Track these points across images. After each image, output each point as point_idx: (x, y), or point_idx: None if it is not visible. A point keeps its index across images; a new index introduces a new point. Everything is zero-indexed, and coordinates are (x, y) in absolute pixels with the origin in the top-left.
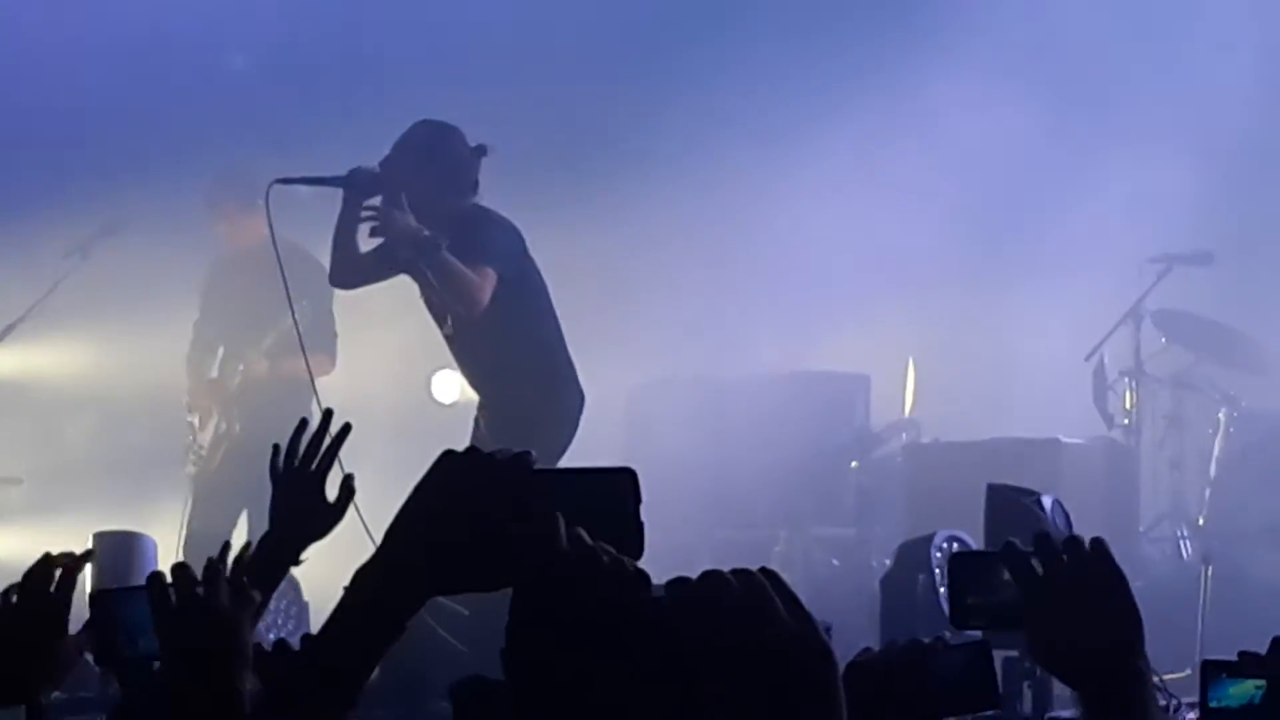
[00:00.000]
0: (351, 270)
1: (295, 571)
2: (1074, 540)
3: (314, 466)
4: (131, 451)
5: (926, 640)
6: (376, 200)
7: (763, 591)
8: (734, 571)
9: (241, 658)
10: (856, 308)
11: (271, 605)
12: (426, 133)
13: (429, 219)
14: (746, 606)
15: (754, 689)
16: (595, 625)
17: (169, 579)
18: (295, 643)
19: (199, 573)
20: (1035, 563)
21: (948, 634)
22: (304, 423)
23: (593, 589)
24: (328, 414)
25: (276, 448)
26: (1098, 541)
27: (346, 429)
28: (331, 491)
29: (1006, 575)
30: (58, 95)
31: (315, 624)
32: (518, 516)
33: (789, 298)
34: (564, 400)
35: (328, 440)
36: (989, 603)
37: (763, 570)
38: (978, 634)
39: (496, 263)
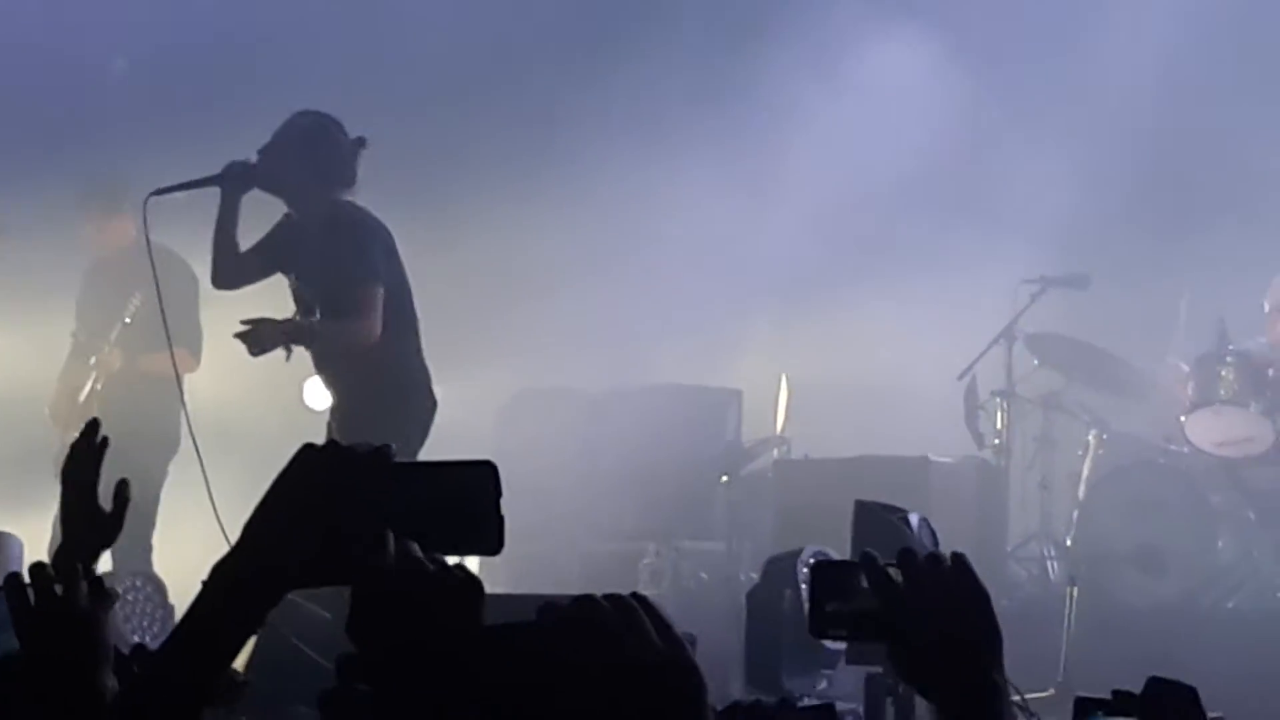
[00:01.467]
0: (234, 272)
1: (161, 574)
2: (935, 556)
3: (83, 475)
4: (2, 451)
5: (772, 703)
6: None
7: (634, 614)
8: (606, 596)
9: (101, 656)
10: (730, 322)
11: (135, 608)
12: (306, 122)
13: (304, 210)
14: (617, 629)
15: (624, 712)
16: (426, 647)
17: (27, 579)
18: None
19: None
20: (894, 573)
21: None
22: (91, 425)
23: (422, 608)
24: (92, 424)
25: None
26: (958, 556)
27: (104, 441)
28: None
29: (866, 584)
30: None
31: None
32: (375, 510)
33: (663, 311)
34: (413, 405)
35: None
36: (848, 611)
37: (634, 595)
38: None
39: (376, 279)
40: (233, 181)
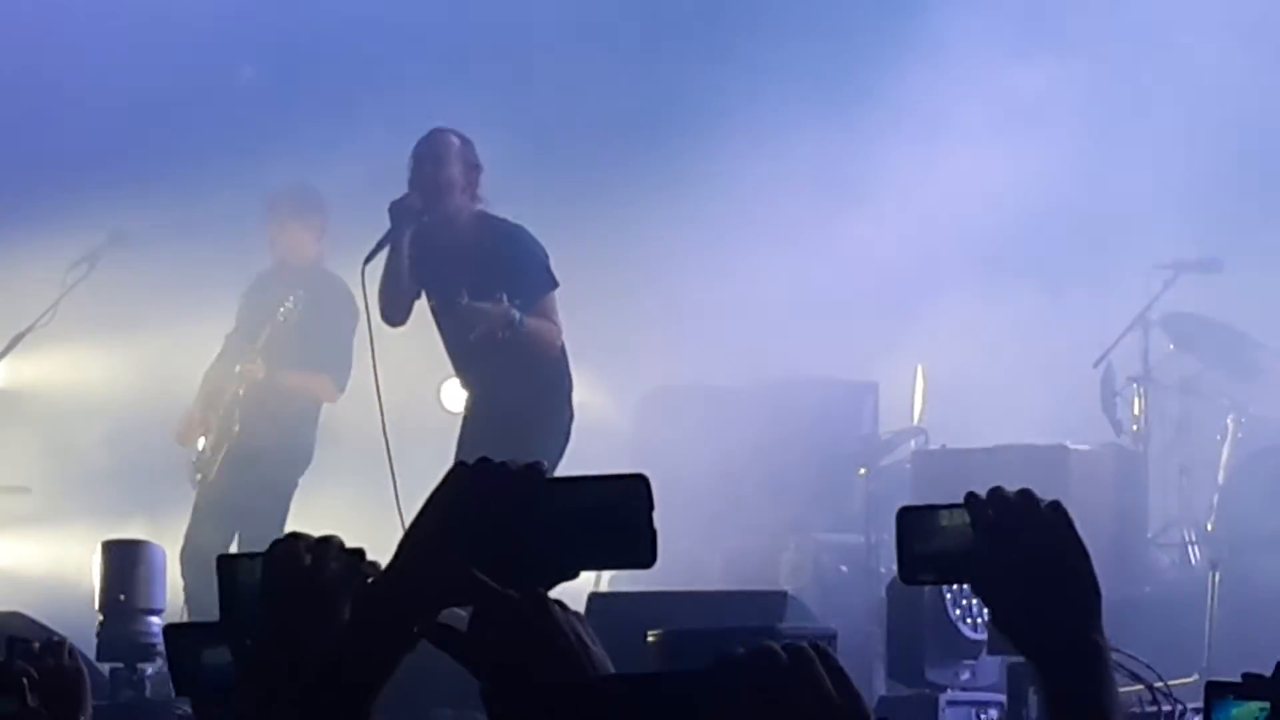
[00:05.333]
0: (404, 307)
1: None
2: (1030, 497)
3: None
4: (140, 461)
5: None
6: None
7: (811, 667)
8: (785, 646)
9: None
10: (865, 314)
11: None
12: (453, 143)
13: (455, 227)
14: (794, 679)
15: None
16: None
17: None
18: None
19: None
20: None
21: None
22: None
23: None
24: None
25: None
26: (1055, 505)
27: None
28: None
29: (952, 525)
30: (64, 103)
31: None
32: (531, 526)
33: (797, 305)
34: (561, 416)
35: None
36: (936, 552)
37: (813, 645)
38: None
39: (554, 285)
40: (401, 224)
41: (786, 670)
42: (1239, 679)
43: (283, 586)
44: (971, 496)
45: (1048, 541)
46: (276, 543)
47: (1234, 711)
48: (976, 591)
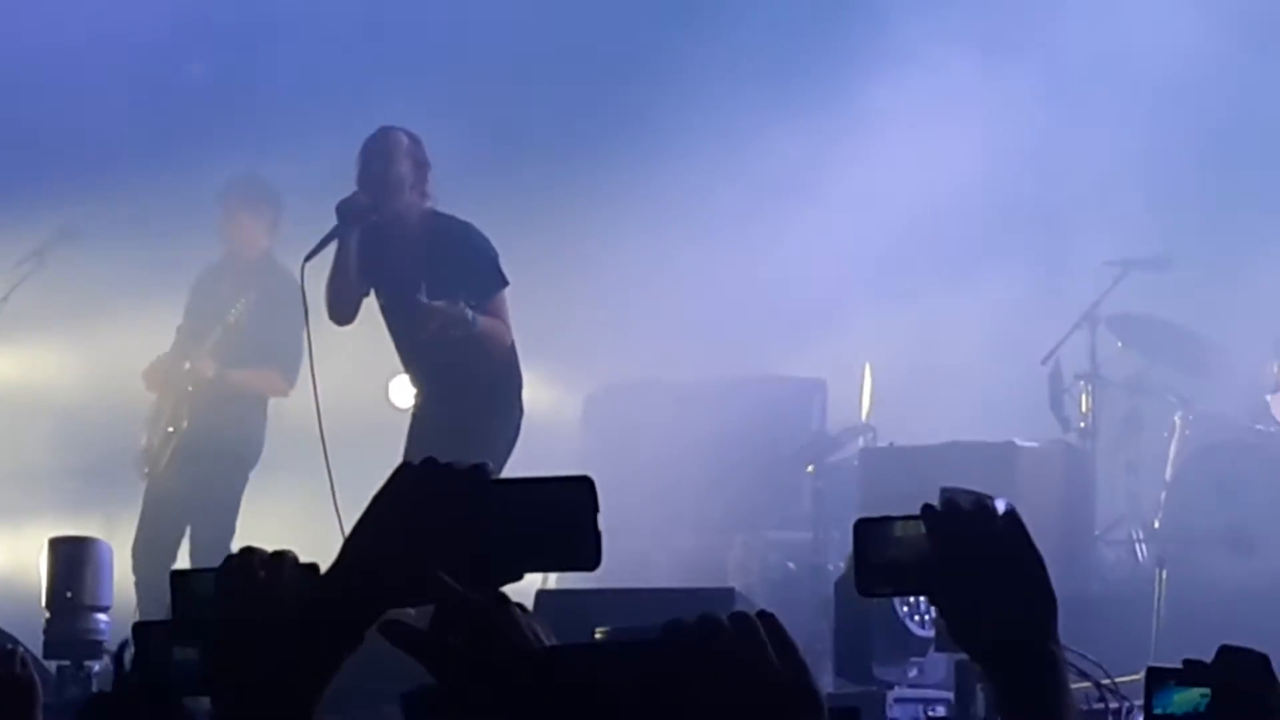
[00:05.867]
0: (352, 306)
1: None
2: (984, 507)
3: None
4: (89, 457)
5: None
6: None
7: (756, 635)
8: (731, 615)
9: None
10: (813, 312)
11: None
12: (402, 142)
13: (404, 225)
14: (739, 648)
15: None
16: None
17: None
18: None
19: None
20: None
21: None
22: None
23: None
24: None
25: None
26: (1010, 514)
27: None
28: None
29: (909, 537)
30: (10, 99)
31: None
32: (473, 529)
33: (745, 302)
34: (510, 414)
35: None
36: (893, 564)
37: (760, 614)
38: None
39: (504, 283)
40: (349, 223)
41: (731, 639)
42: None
43: (239, 602)
44: (927, 508)
45: (1003, 552)
46: (231, 557)
47: (1175, 698)
48: (934, 603)
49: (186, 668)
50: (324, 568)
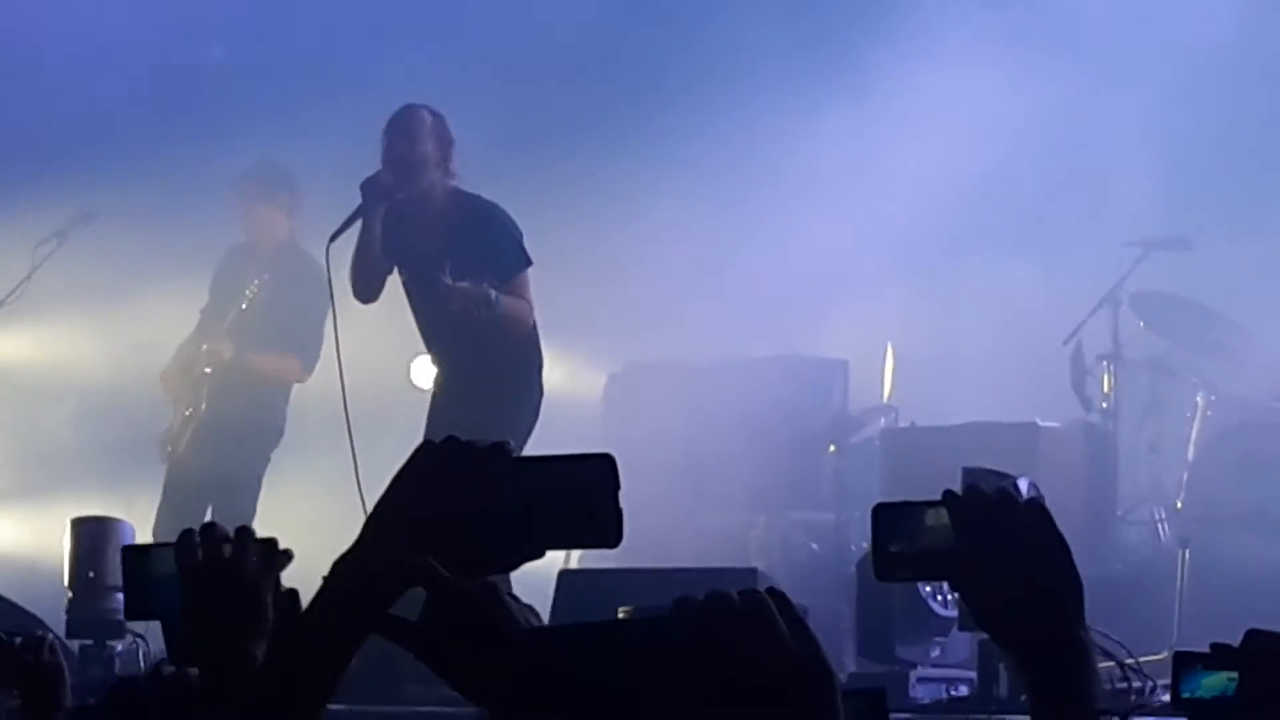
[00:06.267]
0: (378, 283)
1: None
2: (1007, 495)
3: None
4: (111, 438)
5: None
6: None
7: (767, 612)
8: (742, 592)
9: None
10: (835, 292)
11: None
12: (425, 119)
13: (429, 204)
14: (749, 627)
15: (753, 711)
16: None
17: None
18: None
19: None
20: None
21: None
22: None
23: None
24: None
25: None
26: (1034, 501)
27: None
28: None
29: (929, 523)
30: (32, 82)
31: None
32: (498, 504)
33: (767, 282)
34: (531, 394)
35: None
36: (913, 550)
37: (769, 590)
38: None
39: (528, 263)
40: (374, 202)
41: (742, 616)
42: (1207, 650)
43: (207, 578)
44: (949, 493)
45: (1027, 539)
46: (187, 533)
47: (1203, 681)
48: (955, 588)
49: (166, 584)
50: (345, 547)
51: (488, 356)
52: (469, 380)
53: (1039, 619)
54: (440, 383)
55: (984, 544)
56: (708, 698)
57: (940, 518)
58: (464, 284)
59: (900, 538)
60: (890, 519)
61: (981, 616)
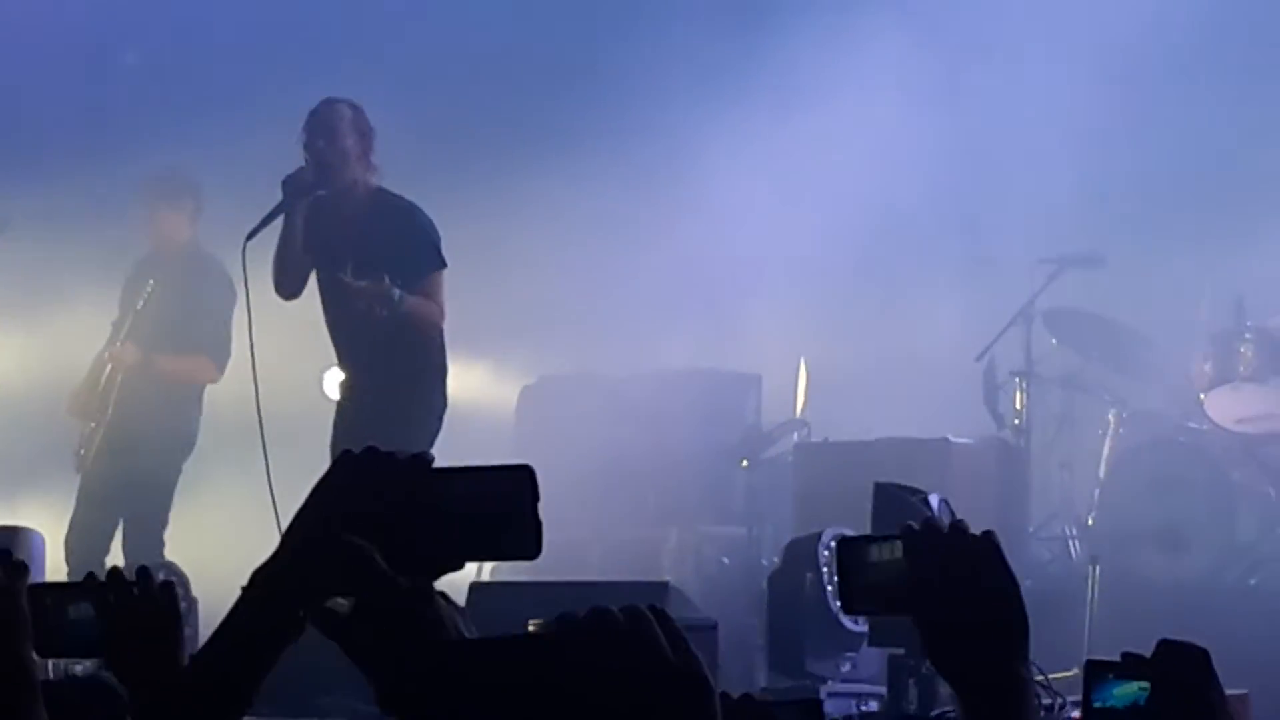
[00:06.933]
0: (299, 279)
1: (185, 567)
2: (959, 530)
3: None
4: (26, 447)
5: (760, 695)
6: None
7: (647, 626)
8: (623, 608)
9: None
10: (749, 307)
11: None
12: (347, 114)
13: (350, 200)
14: (630, 639)
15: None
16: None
17: None
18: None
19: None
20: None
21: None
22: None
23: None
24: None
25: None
26: (988, 536)
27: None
28: None
29: (887, 557)
30: None
31: (205, 619)
32: (417, 517)
33: (682, 296)
34: (434, 403)
35: None
36: (878, 586)
37: (651, 607)
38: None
39: (443, 264)
40: (294, 197)
41: (623, 632)
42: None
43: (122, 618)
44: (906, 528)
45: (977, 575)
46: (90, 576)
47: (1115, 691)
48: (916, 624)
49: (81, 627)
50: (261, 558)
51: (390, 362)
52: (371, 386)
53: (983, 654)
54: (345, 389)
55: (935, 579)
56: (587, 709)
57: (899, 552)
58: (363, 282)
59: (862, 572)
60: (853, 554)
61: (931, 650)
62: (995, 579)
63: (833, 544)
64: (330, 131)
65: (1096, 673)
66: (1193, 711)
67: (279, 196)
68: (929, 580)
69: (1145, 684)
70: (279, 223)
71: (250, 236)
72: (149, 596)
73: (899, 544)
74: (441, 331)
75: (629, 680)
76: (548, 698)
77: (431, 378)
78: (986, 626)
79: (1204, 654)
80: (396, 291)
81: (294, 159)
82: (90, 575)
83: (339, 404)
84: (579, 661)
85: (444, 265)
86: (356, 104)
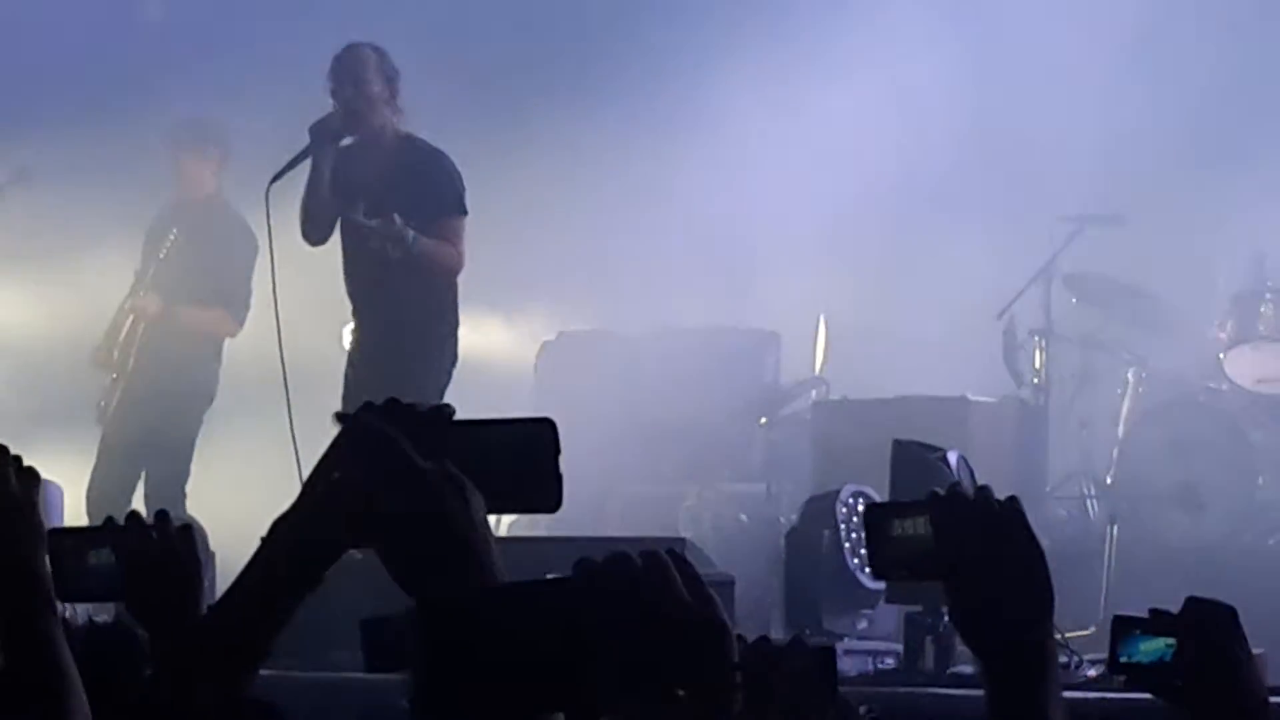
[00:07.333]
0: (326, 225)
1: (203, 520)
2: (985, 497)
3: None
4: (47, 400)
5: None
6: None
7: (665, 570)
8: (642, 552)
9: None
10: (768, 264)
11: None
12: (372, 58)
13: (378, 146)
14: (648, 584)
15: (652, 668)
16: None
17: None
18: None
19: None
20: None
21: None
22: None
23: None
24: None
25: None
26: (1013, 502)
27: None
28: None
29: (914, 523)
30: None
31: (222, 572)
32: (436, 468)
33: (701, 252)
34: (444, 355)
35: None
36: (904, 551)
37: (670, 550)
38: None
39: (464, 210)
40: (322, 143)
41: (641, 575)
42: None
43: (141, 561)
44: (933, 495)
45: (1002, 543)
46: (110, 520)
47: (1141, 645)
48: (946, 589)
49: (101, 571)
50: (282, 509)
51: (400, 312)
52: (382, 329)
53: (1007, 623)
54: (356, 332)
55: (960, 546)
56: (607, 652)
57: (925, 518)
58: (375, 222)
59: (891, 539)
60: (881, 519)
61: (956, 617)
62: (1022, 549)
63: (852, 501)
64: (356, 78)
65: (1124, 627)
66: (1219, 670)
67: (305, 145)
68: (956, 550)
69: (1172, 640)
70: (305, 170)
71: (275, 179)
72: (167, 540)
73: (925, 514)
74: (455, 289)
75: (647, 623)
76: (567, 641)
77: (443, 327)
78: (1012, 597)
79: (1232, 613)
80: (410, 232)
81: (319, 106)
82: (109, 520)
83: (349, 354)
84: (598, 605)
85: (464, 212)
86: (379, 47)
